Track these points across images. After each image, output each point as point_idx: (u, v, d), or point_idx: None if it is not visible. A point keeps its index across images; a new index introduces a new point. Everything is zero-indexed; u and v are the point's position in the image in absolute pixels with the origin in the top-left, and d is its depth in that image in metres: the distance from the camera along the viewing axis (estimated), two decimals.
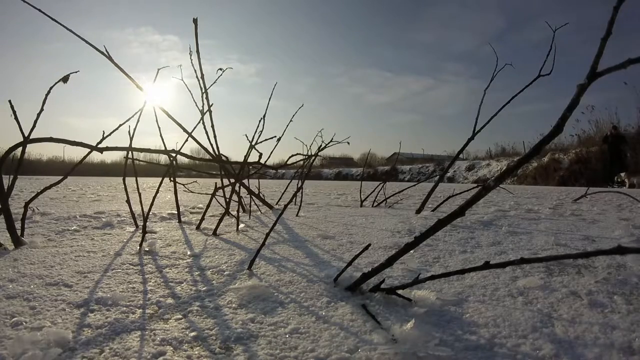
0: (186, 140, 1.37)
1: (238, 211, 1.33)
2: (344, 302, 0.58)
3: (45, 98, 1.03)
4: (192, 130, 1.36)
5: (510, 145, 13.63)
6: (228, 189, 1.44)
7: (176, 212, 1.49)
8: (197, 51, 1.40)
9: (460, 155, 2.22)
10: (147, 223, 1.18)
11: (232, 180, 1.39)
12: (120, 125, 1.16)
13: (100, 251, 0.92)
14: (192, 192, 2.13)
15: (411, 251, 0.68)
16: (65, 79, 1.02)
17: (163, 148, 1.07)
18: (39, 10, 1.01)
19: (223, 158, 1.53)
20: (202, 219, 1.33)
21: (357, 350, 0.44)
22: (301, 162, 1.64)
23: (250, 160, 1.56)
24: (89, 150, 0.92)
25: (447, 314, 0.54)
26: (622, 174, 7.73)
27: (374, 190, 2.48)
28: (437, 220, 0.55)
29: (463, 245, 1.03)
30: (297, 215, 1.66)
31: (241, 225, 1.32)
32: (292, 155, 1.54)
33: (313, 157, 1.49)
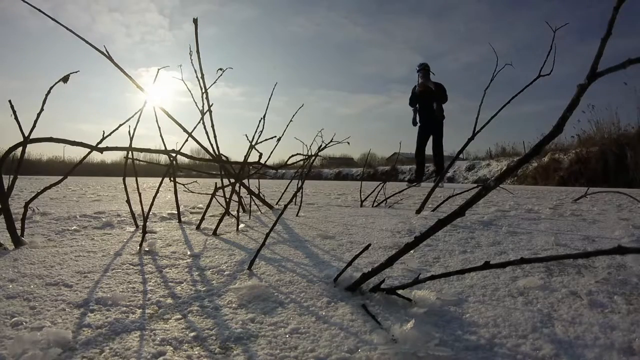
0: (186, 140, 1.37)
1: (238, 211, 1.33)
2: (344, 302, 0.58)
3: (45, 98, 1.03)
4: (192, 130, 1.36)
5: (510, 145, 13.61)
6: (228, 189, 1.44)
7: (176, 212, 1.49)
8: (197, 51, 1.40)
9: (460, 155, 2.22)
10: (147, 223, 1.18)
11: (232, 180, 1.39)
12: (120, 125, 1.16)
13: (100, 251, 0.92)
14: (192, 192, 2.13)
15: (411, 251, 0.68)
16: (65, 79, 1.02)
17: (163, 148, 1.07)
18: (39, 10, 1.01)
19: (223, 158, 1.53)
20: (202, 219, 1.33)
21: (357, 350, 0.44)
22: (301, 162, 1.64)
23: (250, 160, 1.56)
24: (89, 150, 0.92)
25: (447, 314, 0.54)
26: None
27: (374, 190, 2.49)
28: (437, 220, 0.55)
29: (463, 245, 1.03)
30: (297, 215, 1.66)
31: (241, 225, 1.32)
32: (292, 155, 1.54)
33: (313, 157, 1.49)
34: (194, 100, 1.50)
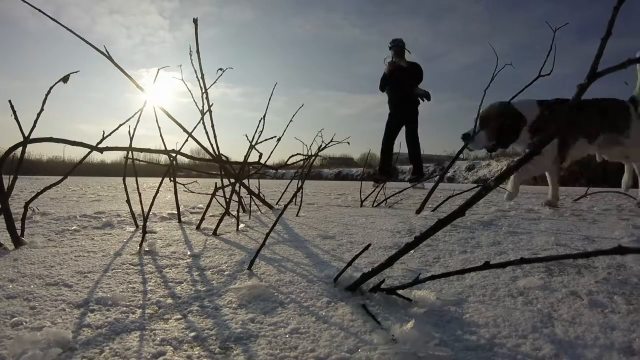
0: (186, 140, 1.37)
1: (238, 211, 1.33)
2: (344, 302, 0.58)
3: (45, 98, 1.03)
4: (192, 130, 1.36)
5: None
6: (228, 189, 1.44)
7: (176, 212, 1.49)
8: (197, 51, 1.40)
9: (460, 155, 2.22)
10: (147, 223, 1.18)
11: (232, 180, 1.39)
12: (120, 125, 1.16)
13: (100, 251, 0.91)
14: (192, 192, 2.13)
15: (411, 251, 0.68)
16: (65, 79, 1.02)
17: (163, 148, 1.07)
18: (40, 11, 1.01)
19: (223, 158, 1.53)
20: (202, 219, 1.33)
21: (357, 350, 0.44)
22: (301, 162, 1.63)
23: (250, 160, 1.56)
24: (89, 150, 0.92)
25: (447, 314, 0.54)
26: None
27: (373, 190, 2.48)
28: (437, 220, 0.55)
29: (463, 245, 1.03)
30: (297, 215, 1.66)
31: (241, 225, 1.32)
32: (292, 155, 1.54)
33: (313, 157, 1.49)
34: (194, 100, 1.50)
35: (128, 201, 1.29)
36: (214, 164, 1.39)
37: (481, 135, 1.83)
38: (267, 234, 0.80)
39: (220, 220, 1.22)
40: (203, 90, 1.48)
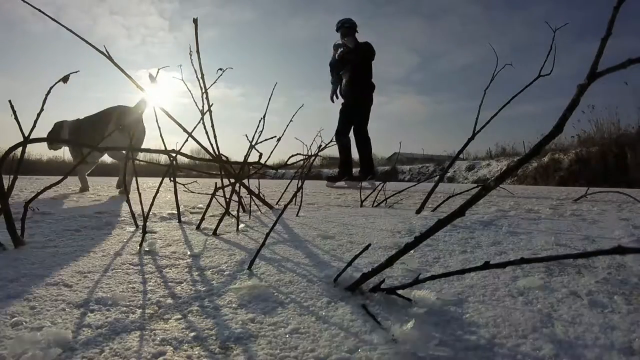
0: (186, 140, 1.37)
1: (238, 211, 1.33)
2: (344, 302, 0.58)
3: (45, 98, 1.03)
4: (192, 130, 1.36)
5: (510, 145, 13.61)
6: (228, 189, 1.44)
7: (176, 212, 1.49)
8: (197, 51, 1.40)
9: (460, 155, 2.22)
10: (147, 223, 1.18)
11: (232, 180, 1.39)
12: (120, 125, 1.16)
13: (100, 251, 0.91)
14: (192, 192, 2.13)
15: (411, 251, 0.68)
16: (65, 79, 1.02)
17: (163, 148, 1.07)
18: (39, 10, 1.01)
19: (223, 158, 1.53)
20: (202, 219, 1.33)
21: (357, 350, 0.44)
22: (301, 162, 1.64)
23: (250, 160, 1.56)
24: (89, 150, 0.92)
25: (447, 314, 0.54)
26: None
27: (373, 190, 2.48)
28: (437, 220, 0.55)
29: (463, 245, 1.03)
30: (297, 215, 1.66)
31: (241, 225, 1.32)
32: (292, 155, 1.54)
33: (313, 157, 1.49)
34: (194, 100, 1.50)
35: (128, 201, 1.29)
36: (214, 164, 1.39)
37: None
38: (267, 234, 0.80)
39: (220, 220, 1.22)
40: (203, 91, 1.48)
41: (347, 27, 4.43)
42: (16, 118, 1.00)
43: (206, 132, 1.49)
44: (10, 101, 1.01)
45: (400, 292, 0.58)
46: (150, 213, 1.42)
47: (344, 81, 4.63)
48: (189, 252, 0.92)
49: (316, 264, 0.81)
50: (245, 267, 0.78)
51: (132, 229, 1.26)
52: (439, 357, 0.42)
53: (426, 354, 0.42)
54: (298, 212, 1.76)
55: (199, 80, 1.49)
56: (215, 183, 1.35)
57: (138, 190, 1.27)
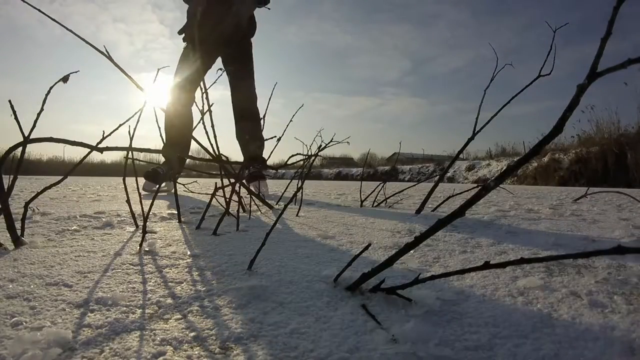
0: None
1: (238, 211, 1.33)
2: (344, 302, 0.58)
3: (45, 98, 1.03)
4: (192, 130, 1.36)
5: (510, 145, 13.63)
6: (228, 189, 1.44)
7: (176, 212, 1.49)
8: (197, 52, 1.40)
9: (460, 155, 2.22)
10: (147, 223, 1.18)
11: (232, 180, 1.39)
12: (120, 125, 1.16)
13: (100, 251, 0.91)
14: (192, 192, 2.13)
15: (411, 251, 0.68)
16: (65, 79, 1.02)
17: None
18: (39, 10, 1.01)
19: (223, 158, 1.53)
20: (202, 219, 1.33)
21: (357, 350, 0.43)
22: (301, 162, 1.64)
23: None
24: (89, 150, 0.92)
25: (447, 314, 0.54)
26: None
27: (374, 190, 2.48)
28: (437, 220, 0.55)
29: (463, 245, 1.03)
30: (297, 215, 1.66)
31: (241, 225, 1.32)
32: (292, 155, 1.54)
33: (313, 157, 1.49)
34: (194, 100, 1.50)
35: (128, 201, 1.29)
36: (214, 164, 1.39)
37: None
38: (267, 234, 0.80)
39: (220, 220, 1.22)
40: (203, 91, 1.49)
41: None
42: (16, 118, 1.00)
43: (206, 132, 1.49)
44: (10, 101, 1.01)
45: (400, 292, 0.58)
46: (150, 213, 1.42)
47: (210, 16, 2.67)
48: (189, 252, 0.92)
49: (316, 264, 0.81)
50: (245, 267, 0.78)
51: (132, 229, 1.26)
52: (439, 357, 0.42)
53: (426, 354, 0.42)
54: (298, 212, 1.76)
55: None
56: (215, 183, 1.35)
57: (138, 190, 1.27)
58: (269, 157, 2.30)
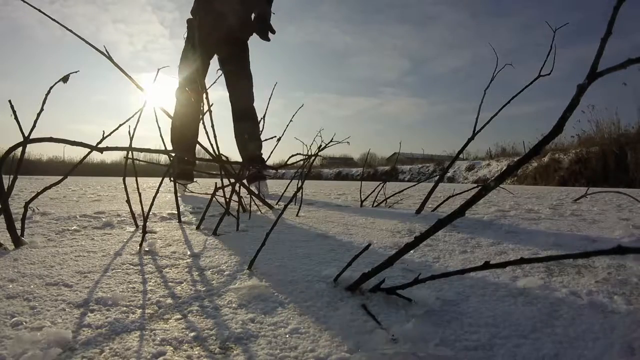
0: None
1: (238, 211, 1.33)
2: (344, 302, 0.58)
3: (45, 98, 1.03)
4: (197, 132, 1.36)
5: (510, 145, 13.62)
6: (228, 189, 1.44)
7: (176, 212, 1.49)
8: (197, 52, 1.40)
9: (460, 155, 2.22)
10: (147, 223, 1.18)
11: (232, 180, 1.39)
12: (120, 125, 1.16)
13: (100, 251, 0.91)
14: (192, 192, 2.13)
15: (411, 251, 0.68)
16: (65, 79, 1.02)
17: (163, 148, 1.07)
18: (39, 10, 1.01)
19: (223, 158, 1.53)
20: (202, 219, 1.33)
21: (357, 350, 0.43)
22: (301, 162, 1.64)
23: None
24: (89, 150, 0.92)
25: (447, 314, 0.54)
26: None
27: (374, 190, 2.48)
28: (437, 220, 0.55)
29: (463, 245, 1.03)
30: (297, 215, 1.66)
31: (241, 225, 1.32)
32: (292, 155, 1.54)
33: (313, 157, 1.49)
34: (193, 99, 1.50)
35: (128, 201, 1.29)
36: (214, 164, 1.39)
37: None
38: (267, 234, 0.80)
39: (220, 220, 1.22)
40: (203, 91, 1.48)
41: None
42: (16, 118, 1.00)
43: (206, 133, 1.49)
44: (10, 101, 1.01)
45: (400, 292, 0.58)
46: (150, 213, 1.42)
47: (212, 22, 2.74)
48: (189, 252, 0.92)
49: (316, 264, 0.81)
50: (245, 267, 0.78)
51: (132, 229, 1.26)
52: (439, 357, 0.42)
53: (426, 354, 0.42)
54: (298, 212, 1.76)
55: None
56: (215, 183, 1.35)
57: (138, 190, 1.27)
58: (269, 157, 2.30)
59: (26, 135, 0.96)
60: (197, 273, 0.74)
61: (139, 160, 1.38)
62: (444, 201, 2.04)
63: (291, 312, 0.55)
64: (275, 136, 1.80)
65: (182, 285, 0.67)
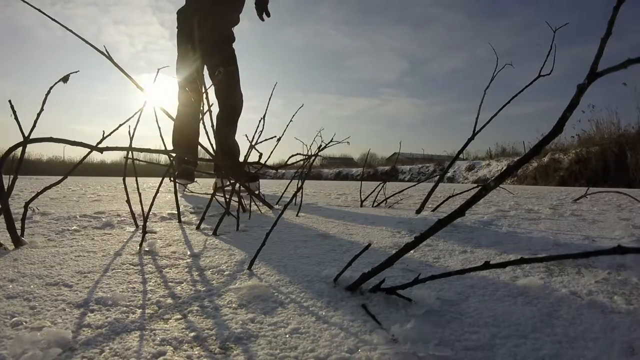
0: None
1: (238, 211, 1.33)
2: (344, 302, 0.58)
3: (45, 98, 1.03)
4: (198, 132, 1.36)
5: (510, 145, 13.63)
6: (228, 189, 1.44)
7: (176, 212, 1.49)
8: (197, 52, 1.40)
9: (461, 155, 2.22)
10: (147, 223, 1.18)
11: (232, 180, 1.39)
12: (120, 125, 1.16)
13: (100, 251, 0.92)
14: (192, 192, 2.13)
15: (411, 251, 0.68)
16: (65, 79, 1.02)
17: (163, 148, 1.07)
18: (39, 10, 1.01)
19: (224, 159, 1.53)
20: (202, 219, 1.33)
21: (357, 350, 0.44)
22: (301, 162, 1.64)
23: (250, 160, 1.56)
24: (89, 150, 0.92)
25: (447, 314, 0.54)
26: None
27: (374, 190, 2.48)
28: (437, 220, 0.55)
29: (463, 245, 1.03)
30: (297, 215, 1.66)
31: (241, 225, 1.32)
32: (292, 155, 1.54)
33: (313, 157, 1.49)
34: (193, 100, 1.50)
35: (128, 201, 1.29)
36: (213, 164, 1.39)
37: None
38: (267, 234, 0.80)
39: (220, 220, 1.22)
40: (202, 91, 1.48)
41: None
42: (16, 118, 1.00)
43: (206, 133, 1.49)
44: (10, 101, 1.01)
45: (400, 292, 0.58)
46: (150, 213, 1.42)
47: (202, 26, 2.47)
48: (189, 252, 0.92)
49: (316, 264, 0.81)
50: (245, 267, 0.78)
51: (132, 229, 1.26)
52: (439, 357, 0.42)
53: (426, 354, 0.42)
54: (298, 212, 1.76)
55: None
56: (215, 183, 1.35)
57: (138, 190, 1.27)
58: (269, 157, 2.30)
59: (26, 135, 0.96)
60: (197, 273, 0.74)
61: (139, 160, 1.38)
62: (444, 201, 2.04)
63: (291, 312, 0.55)
64: (275, 136, 1.80)
65: (182, 285, 0.67)
